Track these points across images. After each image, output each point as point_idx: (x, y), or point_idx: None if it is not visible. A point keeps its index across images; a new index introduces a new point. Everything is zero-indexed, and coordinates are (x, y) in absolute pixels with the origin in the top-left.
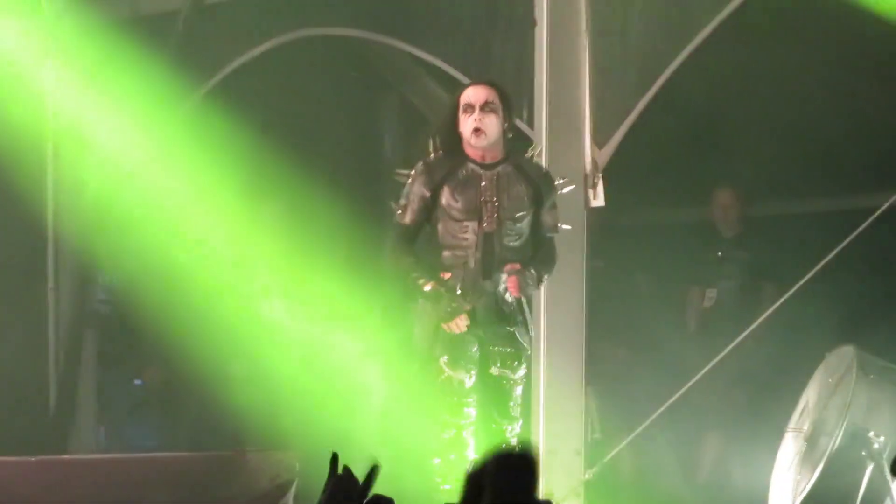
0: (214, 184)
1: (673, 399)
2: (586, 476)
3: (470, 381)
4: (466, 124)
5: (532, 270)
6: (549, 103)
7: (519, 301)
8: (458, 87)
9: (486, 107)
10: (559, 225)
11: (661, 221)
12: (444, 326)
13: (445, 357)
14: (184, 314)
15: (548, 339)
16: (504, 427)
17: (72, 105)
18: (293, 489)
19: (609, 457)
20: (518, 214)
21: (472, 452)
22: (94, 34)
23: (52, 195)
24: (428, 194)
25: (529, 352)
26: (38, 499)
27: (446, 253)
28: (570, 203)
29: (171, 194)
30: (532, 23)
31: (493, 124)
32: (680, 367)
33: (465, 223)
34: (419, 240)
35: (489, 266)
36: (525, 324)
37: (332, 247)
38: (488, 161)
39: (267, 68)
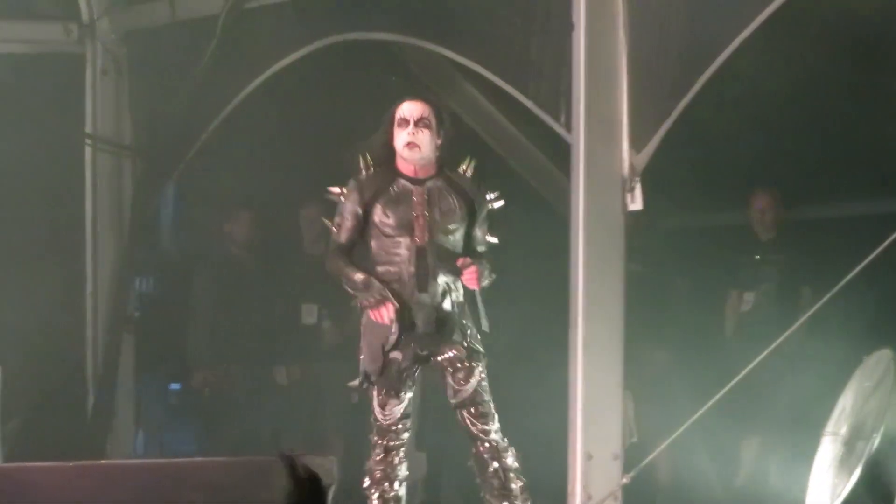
0: (255, 186)
1: (711, 403)
2: (624, 480)
3: (400, 406)
4: (400, 138)
5: (484, 262)
6: (587, 107)
7: (461, 306)
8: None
9: (420, 122)
10: (487, 238)
11: (699, 225)
12: (371, 314)
13: (375, 391)
14: (226, 318)
15: (586, 343)
16: (480, 429)
17: (111, 108)
18: (331, 494)
19: (647, 461)
20: (451, 227)
21: (402, 474)
22: (132, 38)
23: (91, 200)
24: (360, 211)
25: (480, 351)
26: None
27: (380, 269)
28: (608, 207)
29: (210, 197)
30: (570, 27)
31: (426, 140)
32: (718, 371)
33: (398, 238)
34: (354, 257)
35: (423, 279)
36: (468, 326)
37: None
38: (420, 176)
39: (305, 73)
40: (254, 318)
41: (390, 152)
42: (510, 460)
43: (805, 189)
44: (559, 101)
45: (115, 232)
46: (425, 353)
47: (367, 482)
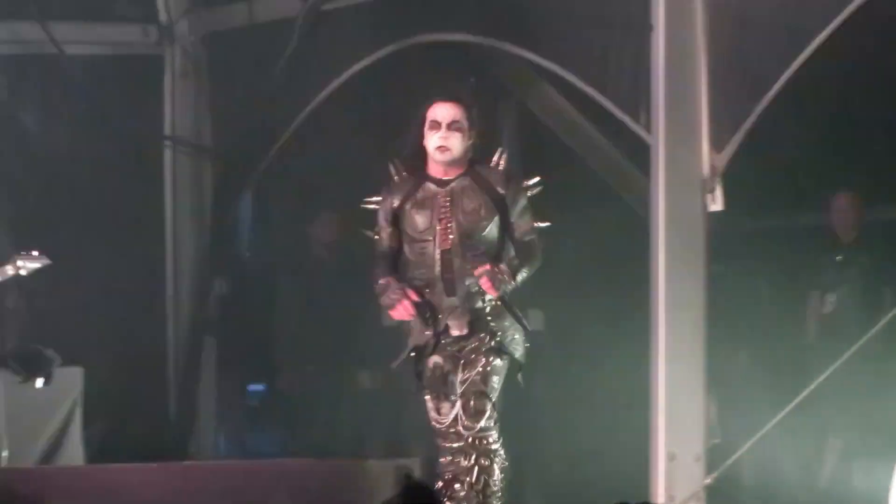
0: (336, 188)
1: (793, 404)
2: (707, 481)
3: (454, 409)
4: (431, 141)
5: (503, 265)
6: (667, 108)
7: (497, 307)
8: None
9: (451, 125)
10: (535, 225)
11: (781, 225)
12: (392, 314)
13: (428, 396)
14: (310, 319)
15: (668, 344)
16: (462, 423)
17: (190, 111)
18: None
19: (730, 462)
20: (476, 227)
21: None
22: (211, 40)
23: (170, 202)
24: (390, 219)
25: (503, 351)
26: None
27: (410, 274)
28: (689, 207)
29: (290, 199)
30: (648, 28)
31: (457, 142)
32: (800, 372)
33: (424, 243)
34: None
35: (450, 283)
36: (505, 328)
37: None
38: (448, 176)
39: (384, 75)
40: (337, 319)
41: (422, 153)
42: (495, 466)
43: (887, 189)
44: (639, 101)
45: (195, 234)
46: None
47: (439, 483)
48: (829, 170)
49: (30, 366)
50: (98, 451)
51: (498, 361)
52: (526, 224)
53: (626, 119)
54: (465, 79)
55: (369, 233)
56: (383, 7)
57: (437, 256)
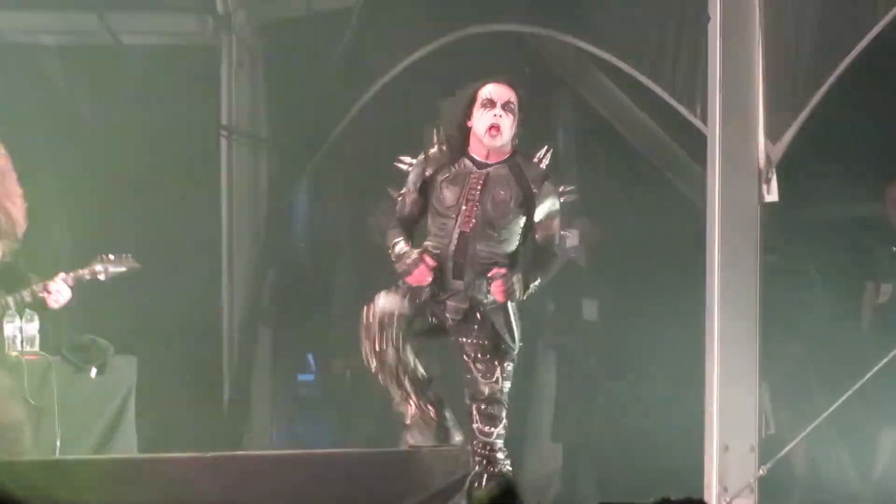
0: (392, 178)
1: (847, 395)
2: (760, 472)
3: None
4: (483, 119)
5: (519, 275)
6: (723, 98)
7: (503, 306)
8: (476, 85)
9: (506, 105)
10: (561, 234)
11: (835, 216)
12: (409, 280)
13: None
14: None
15: (721, 335)
16: (479, 429)
17: (246, 101)
18: (467, 485)
19: (783, 453)
20: (499, 219)
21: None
22: (268, 30)
23: (226, 192)
24: (419, 185)
25: (507, 352)
26: (212, 495)
27: (428, 241)
28: (744, 198)
29: (346, 189)
30: (705, 17)
31: (508, 124)
32: (854, 363)
33: (447, 220)
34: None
35: (460, 266)
36: (503, 326)
37: None
38: (489, 160)
39: (439, 65)
40: None
41: (465, 132)
42: (504, 469)
43: None
44: (695, 91)
45: (250, 224)
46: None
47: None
48: (885, 160)
49: (83, 355)
50: (151, 440)
51: (510, 366)
52: (551, 229)
53: (683, 109)
54: (520, 69)
55: (394, 192)
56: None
57: (455, 236)
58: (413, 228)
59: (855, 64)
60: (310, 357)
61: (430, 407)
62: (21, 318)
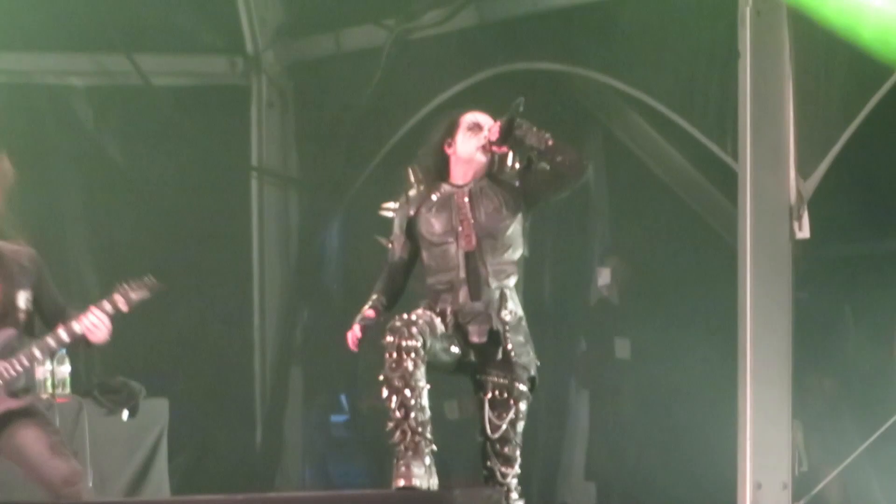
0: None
1: (880, 431)
2: None
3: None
4: (469, 143)
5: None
6: (753, 134)
7: (520, 321)
8: (454, 113)
9: (494, 126)
10: (545, 141)
11: (867, 252)
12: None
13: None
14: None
15: (754, 371)
16: (499, 469)
17: (276, 141)
18: None
19: (816, 490)
20: (498, 229)
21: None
22: (298, 70)
23: (257, 232)
24: (405, 226)
25: (531, 373)
26: None
27: (432, 280)
28: (775, 235)
29: (377, 229)
30: (735, 55)
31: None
32: (887, 399)
33: (445, 246)
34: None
35: (475, 286)
36: (524, 352)
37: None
38: (467, 181)
39: (470, 103)
40: None
41: (443, 160)
42: None
43: None
44: (725, 129)
45: (281, 264)
46: (473, 359)
47: (384, 392)
48: None
49: (115, 398)
50: (184, 482)
51: (525, 406)
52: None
53: (713, 146)
54: (552, 107)
55: (383, 240)
56: (469, 36)
57: (461, 259)
58: (406, 274)
59: (885, 99)
60: (342, 398)
61: (419, 439)
62: (52, 360)
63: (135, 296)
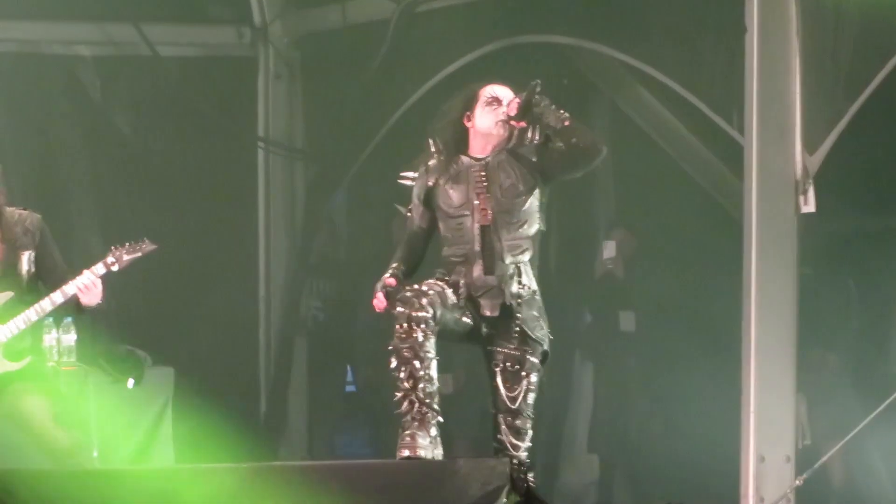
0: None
1: (884, 405)
2: (797, 482)
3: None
4: (489, 116)
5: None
6: (760, 109)
7: (533, 295)
8: (473, 86)
9: (513, 100)
10: (562, 121)
11: (873, 227)
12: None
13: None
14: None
15: (758, 346)
16: (510, 442)
17: (283, 112)
18: (503, 497)
19: (820, 463)
20: (514, 205)
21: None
22: (305, 41)
23: (263, 203)
24: (424, 197)
25: (544, 348)
26: None
27: (448, 251)
28: (781, 209)
29: (382, 201)
30: (742, 29)
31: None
32: (891, 373)
33: (461, 219)
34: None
35: (490, 260)
36: (537, 326)
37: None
38: (488, 153)
39: (476, 76)
40: None
41: (462, 133)
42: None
43: None
44: (732, 103)
45: (287, 235)
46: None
47: (393, 362)
48: None
49: (121, 366)
50: (188, 451)
51: (537, 377)
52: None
53: (720, 121)
54: (559, 80)
55: (402, 208)
56: (475, 9)
57: (477, 232)
58: (426, 242)
59: (892, 75)
60: (348, 369)
61: (426, 410)
62: (58, 328)
63: (128, 256)
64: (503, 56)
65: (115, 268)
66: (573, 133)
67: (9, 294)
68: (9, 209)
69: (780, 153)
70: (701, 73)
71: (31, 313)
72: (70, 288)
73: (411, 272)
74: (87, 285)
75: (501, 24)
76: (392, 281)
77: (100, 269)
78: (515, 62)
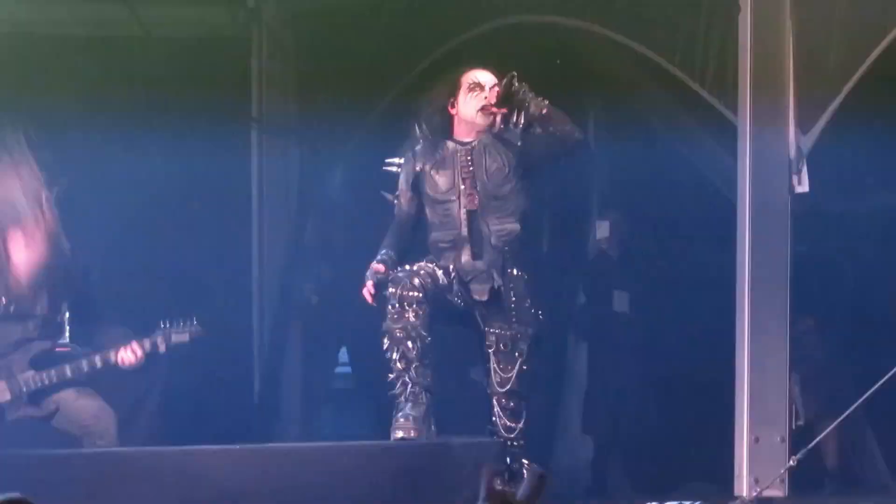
0: None
1: (877, 385)
2: (790, 463)
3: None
4: (472, 102)
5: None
6: (753, 88)
7: (521, 279)
8: (456, 72)
9: (493, 87)
10: (541, 109)
11: (866, 206)
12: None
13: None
14: None
15: (752, 326)
16: (505, 423)
17: (276, 93)
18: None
19: (813, 443)
20: (500, 189)
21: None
22: (298, 21)
23: (256, 185)
24: (412, 183)
25: (536, 329)
26: (241, 486)
27: (435, 235)
28: (774, 189)
29: (377, 182)
30: (736, 8)
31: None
32: (885, 353)
33: (448, 204)
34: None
35: (478, 245)
36: (527, 307)
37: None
38: (474, 138)
39: (471, 56)
40: None
41: (447, 118)
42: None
43: None
44: (725, 83)
45: (281, 215)
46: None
47: (385, 343)
48: None
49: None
50: (181, 433)
51: (528, 359)
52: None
53: (713, 100)
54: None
55: (389, 196)
56: None
57: (464, 217)
58: (413, 227)
59: (886, 53)
60: (342, 350)
61: (419, 391)
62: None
63: (175, 339)
64: (499, 36)
65: (161, 349)
66: (552, 120)
67: None
68: None
69: (773, 133)
70: (694, 52)
71: (68, 370)
72: (113, 357)
73: (401, 258)
74: (131, 360)
75: (496, 4)
76: (381, 267)
77: (147, 346)
78: (510, 42)
